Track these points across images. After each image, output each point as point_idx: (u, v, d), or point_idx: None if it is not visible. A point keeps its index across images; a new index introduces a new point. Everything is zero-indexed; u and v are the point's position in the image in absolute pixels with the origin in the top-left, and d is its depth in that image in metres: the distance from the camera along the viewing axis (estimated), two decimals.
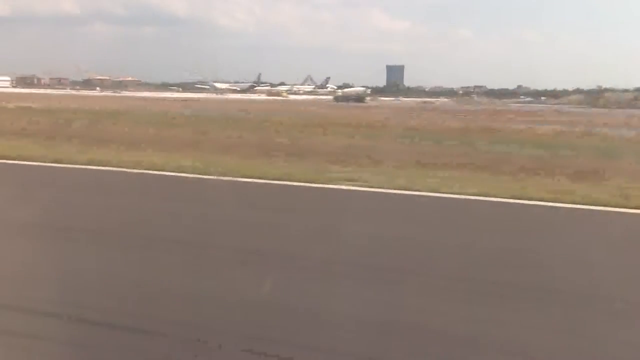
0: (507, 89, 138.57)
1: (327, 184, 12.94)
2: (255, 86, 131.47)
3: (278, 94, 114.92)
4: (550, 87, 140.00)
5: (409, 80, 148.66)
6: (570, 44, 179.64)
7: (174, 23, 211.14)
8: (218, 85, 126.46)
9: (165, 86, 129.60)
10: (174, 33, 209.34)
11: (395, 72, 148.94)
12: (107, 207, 10.57)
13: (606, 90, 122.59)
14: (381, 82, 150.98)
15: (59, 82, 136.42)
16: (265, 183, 13.02)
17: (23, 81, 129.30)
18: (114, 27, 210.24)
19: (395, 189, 12.44)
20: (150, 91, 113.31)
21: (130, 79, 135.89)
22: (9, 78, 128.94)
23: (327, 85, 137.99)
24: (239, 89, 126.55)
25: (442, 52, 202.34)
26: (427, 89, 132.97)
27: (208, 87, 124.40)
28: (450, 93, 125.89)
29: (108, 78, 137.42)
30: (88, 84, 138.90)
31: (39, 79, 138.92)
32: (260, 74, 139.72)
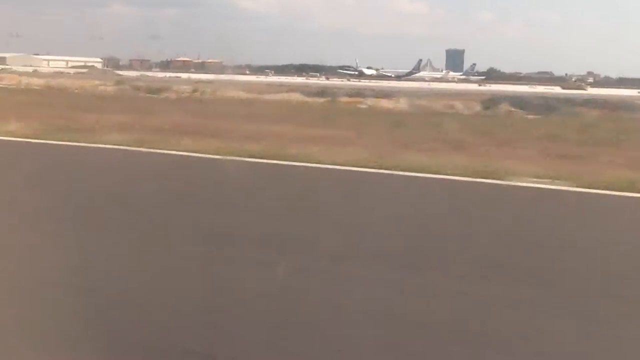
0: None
1: None
2: (415, 72, 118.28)
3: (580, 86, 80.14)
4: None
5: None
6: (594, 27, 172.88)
7: (195, 4, 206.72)
8: (366, 71, 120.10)
9: (261, 69, 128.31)
10: (195, 15, 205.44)
11: (455, 56, 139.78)
12: None
13: None
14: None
15: (140, 65, 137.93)
16: None
17: (111, 63, 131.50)
18: (132, 9, 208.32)
19: None
20: (247, 75, 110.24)
21: (212, 61, 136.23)
22: (100, 60, 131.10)
23: (474, 71, 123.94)
24: (393, 75, 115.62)
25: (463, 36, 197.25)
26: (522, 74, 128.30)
27: (355, 72, 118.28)
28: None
29: (190, 60, 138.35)
30: (170, 66, 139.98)
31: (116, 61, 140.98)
32: (421, 60, 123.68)
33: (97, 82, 56.62)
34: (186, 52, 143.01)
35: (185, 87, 48.94)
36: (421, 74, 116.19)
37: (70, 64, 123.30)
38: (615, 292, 6.66)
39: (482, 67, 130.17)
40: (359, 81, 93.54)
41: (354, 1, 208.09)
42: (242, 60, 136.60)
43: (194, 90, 45.95)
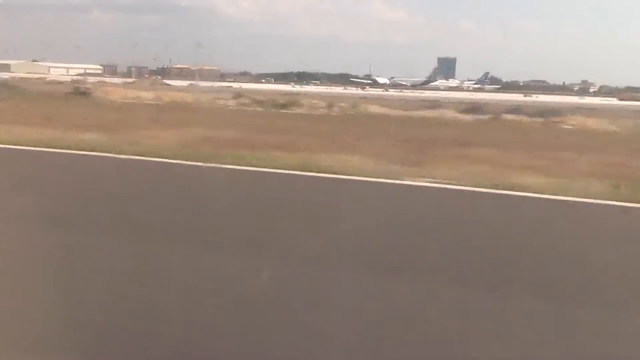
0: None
1: None
2: (432, 81, 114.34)
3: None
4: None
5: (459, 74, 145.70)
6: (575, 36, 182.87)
7: (176, 11, 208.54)
8: (380, 79, 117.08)
9: (262, 76, 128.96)
10: (175, 21, 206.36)
11: (447, 64, 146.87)
12: None
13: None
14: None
15: (138, 72, 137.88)
16: None
17: (109, 70, 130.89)
18: (113, 15, 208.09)
19: None
20: (248, 82, 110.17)
21: (209, 68, 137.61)
22: (101, 67, 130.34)
23: (486, 80, 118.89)
24: (408, 84, 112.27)
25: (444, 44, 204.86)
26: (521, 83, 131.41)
27: (368, 81, 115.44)
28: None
29: (188, 67, 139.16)
30: (166, 72, 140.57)
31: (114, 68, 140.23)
32: (437, 68, 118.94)
33: (201, 95, 54.89)
34: (179, 59, 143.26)
35: (312, 101, 47.58)
36: (437, 82, 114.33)
37: (70, 72, 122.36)
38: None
39: (474, 75, 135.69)
40: (385, 90, 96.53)
41: (335, 8, 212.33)
42: (233, 67, 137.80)
43: (330, 105, 43.76)
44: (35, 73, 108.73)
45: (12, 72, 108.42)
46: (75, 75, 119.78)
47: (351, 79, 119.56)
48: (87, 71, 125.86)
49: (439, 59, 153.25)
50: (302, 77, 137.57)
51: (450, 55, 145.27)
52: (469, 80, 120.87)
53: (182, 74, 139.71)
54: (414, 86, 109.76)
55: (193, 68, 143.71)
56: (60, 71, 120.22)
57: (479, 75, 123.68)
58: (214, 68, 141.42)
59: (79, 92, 46.01)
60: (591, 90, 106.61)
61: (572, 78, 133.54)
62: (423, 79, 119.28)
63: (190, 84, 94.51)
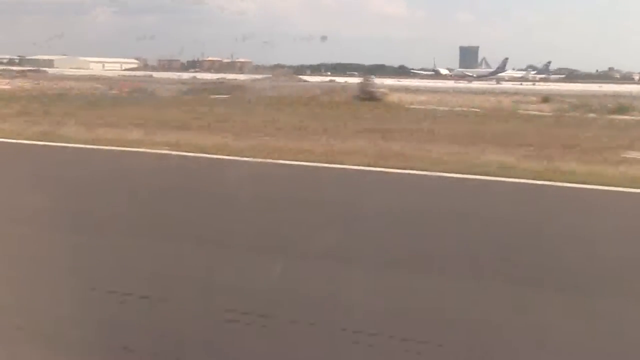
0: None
1: None
2: (500, 72, 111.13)
3: None
4: None
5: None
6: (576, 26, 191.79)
7: (175, 11, 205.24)
8: (442, 71, 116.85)
9: (299, 69, 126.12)
10: (175, 21, 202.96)
11: (468, 53, 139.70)
12: None
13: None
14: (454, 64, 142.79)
15: (169, 65, 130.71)
16: None
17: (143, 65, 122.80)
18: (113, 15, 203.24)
19: None
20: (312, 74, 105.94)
21: (243, 60, 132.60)
22: (136, 61, 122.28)
23: (549, 70, 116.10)
24: (474, 75, 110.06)
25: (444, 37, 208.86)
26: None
27: (429, 73, 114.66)
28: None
29: (220, 60, 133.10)
30: (197, 66, 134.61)
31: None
32: (507, 59, 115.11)
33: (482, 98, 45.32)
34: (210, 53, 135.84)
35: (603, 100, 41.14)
36: (503, 73, 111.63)
37: (106, 67, 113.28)
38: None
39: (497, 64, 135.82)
40: (469, 82, 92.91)
41: (334, 3, 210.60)
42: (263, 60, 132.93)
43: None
44: (79, 69, 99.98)
45: (56, 67, 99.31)
46: (123, 70, 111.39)
47: (412, 71, 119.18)
48: (123, 66, 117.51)
49: (460, 47, 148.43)
50: (337, 69, 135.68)
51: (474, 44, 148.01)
52: (519, 70, 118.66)
53: (215, 66, 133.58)
54: (480, 77, 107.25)
55: (225, 61, 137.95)
56: (98, 66, 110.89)
57: (522, 65, 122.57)
58: (249, 61, 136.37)
59: (368, 96, 41.19)
60: None
61: (597, 66, 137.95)
62: (486, 69, 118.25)
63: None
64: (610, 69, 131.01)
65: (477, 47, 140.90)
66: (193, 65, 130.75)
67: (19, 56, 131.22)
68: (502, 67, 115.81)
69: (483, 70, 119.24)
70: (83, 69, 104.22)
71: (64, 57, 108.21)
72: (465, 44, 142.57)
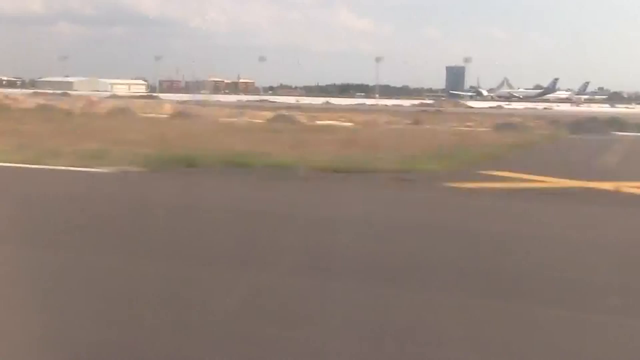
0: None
1: None
2: (550, 92, 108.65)
3: None
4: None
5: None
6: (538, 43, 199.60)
7: (143, 23, 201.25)
8: (484, 92, 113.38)
9: (308, 89, 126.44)
10: (143, 33, 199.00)
11: (455, 73, 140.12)
12: None
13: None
14: (439, 84, 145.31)
15: (171, 86, 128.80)
16: None
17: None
18: (79, 27, 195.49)
19: None
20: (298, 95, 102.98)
21: (245, 81, 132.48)
22: (144, 83, 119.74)
23: (587, 91, 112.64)
24: (521, 96, 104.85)
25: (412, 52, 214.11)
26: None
27: (470, 94, 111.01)
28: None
29: (222, 80, 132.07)
30: (200, 87, 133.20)
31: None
32: (557, 79, 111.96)
33: None
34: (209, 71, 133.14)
35: None
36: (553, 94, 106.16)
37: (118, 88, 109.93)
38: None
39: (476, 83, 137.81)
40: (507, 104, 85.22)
41: (302, 17, 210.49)
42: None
43: None
44: (98, 91, 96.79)
45: (75, 89, 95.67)
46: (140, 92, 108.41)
47: (451, 92, 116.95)
48: (131, 88, 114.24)
49: (447, 67, 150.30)
50: (346, 90, 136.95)
51: (460, 64, 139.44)
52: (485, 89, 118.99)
53: (218, 87, 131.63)
54: (527, 98, 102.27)
55: (227, 81, 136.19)
56: (118, 88, 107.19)
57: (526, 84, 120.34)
58: (252, 81, 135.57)
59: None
60: None
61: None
62: (533, 90, 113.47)
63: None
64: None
65: (464, 68, 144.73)
66: (196, 86, 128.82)
67: (17, 77, 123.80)
68: (551, 88, 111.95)
69: (531, 91, 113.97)
70: (105, 91, 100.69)
71: (84, 79, 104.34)
72: (452, 64, 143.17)
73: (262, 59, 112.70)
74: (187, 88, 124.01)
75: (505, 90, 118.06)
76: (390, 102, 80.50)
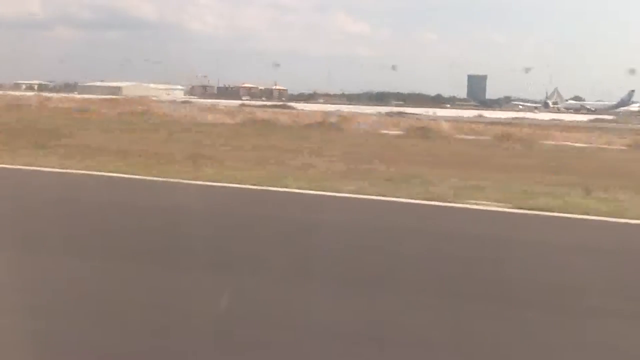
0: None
1: None
2: (626, 104, 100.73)
3: None
4: None
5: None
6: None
7: (140, 27, 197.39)
8: (551, 103, 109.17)
9: (344, 97, 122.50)
10: (140, 37, 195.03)
11: (477, 82, 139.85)
12: None
13: None
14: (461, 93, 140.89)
15: (204, 92, 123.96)
16: None
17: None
18: (77, 32, 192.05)
19: None
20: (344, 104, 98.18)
21: (279, 88, 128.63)
22: (182, 87, 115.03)
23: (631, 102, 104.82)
24: (593, 108, 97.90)
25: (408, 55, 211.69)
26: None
27: (535, 105, 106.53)
28: None
29: (256, 87, 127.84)
30: (229, 93, 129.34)
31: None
32: (633, 91, 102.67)
33: None
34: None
35: None
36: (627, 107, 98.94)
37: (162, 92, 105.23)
38: None
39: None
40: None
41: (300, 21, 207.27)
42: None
43: None
44: (147, 96, 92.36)
45: (124, 94, 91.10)
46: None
47: (513, 103, 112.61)
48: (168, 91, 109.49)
49: (468, 76, 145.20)
50: (381, 98, 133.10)
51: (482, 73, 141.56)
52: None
53: (251, 93, 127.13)
54: (600, 110, 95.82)
55: (261, 88, 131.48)
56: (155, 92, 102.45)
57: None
58: (284, 88, 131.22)
59: None
60: None
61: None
62: (607, 102, 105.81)
63: None
64: None
65: (485, 76, 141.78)
66: (226, 91, 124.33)
67: (49, 81, 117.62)
68: (627, 100, 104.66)
69: (605, 103, 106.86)
70: (152, 95, 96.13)
71: (132, 84, 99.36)
72: (473, 72, 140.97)
73: (275, 64, 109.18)
74: (220, 94, 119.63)
75: (572, 102, 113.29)
76: (472, 113, 77.73)
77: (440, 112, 69.49)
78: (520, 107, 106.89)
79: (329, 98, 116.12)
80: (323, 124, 33.75)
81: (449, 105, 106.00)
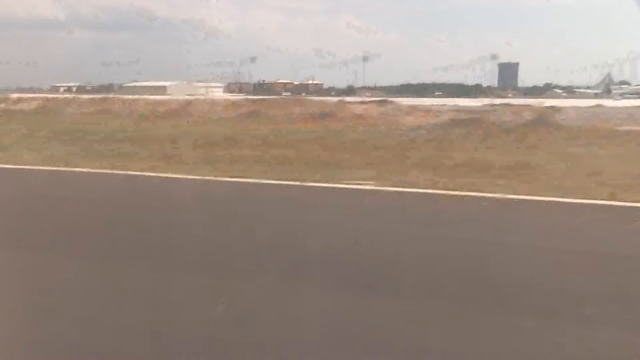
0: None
1: None
2: None
3: None
4: None
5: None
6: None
7: (149, 28, 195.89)
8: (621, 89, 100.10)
9: (384, 90, 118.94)
10: (150, 38, 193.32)
11: (509, 70, 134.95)
12: None
13: None
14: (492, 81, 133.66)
15: (241, 88, 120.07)
16: None
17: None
18: (97, 34, 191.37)
19: None
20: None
21: (315, 82, 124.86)
22: (221, 85, 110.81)
23: None
24: None
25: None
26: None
27: (597, 91, 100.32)
28: None
29: (291, 82, 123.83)
30: (264, 88, 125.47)
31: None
32: None
33: None
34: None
35: None
36: None
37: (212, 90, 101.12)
38: None
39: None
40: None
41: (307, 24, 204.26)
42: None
43: None
44: (194, 95, 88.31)
45: (169, 94, 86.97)
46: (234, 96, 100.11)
47: (575, 90, 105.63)
48: (209, 89, 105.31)
49: (499, 65, 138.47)
50: (420, 90, 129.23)
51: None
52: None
53: (286, 89, 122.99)
54: None
55: (296, 83, 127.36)
56: (198, 91, 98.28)
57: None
58: (319, 83, 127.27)
59: None
60: None
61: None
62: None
63: None
64: None
65: (517, 64, 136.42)
66: (262, 88, 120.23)
67: (86, 83, 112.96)
68: None
69: None
70: (200, 95, 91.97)
71: (177, 83, 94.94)
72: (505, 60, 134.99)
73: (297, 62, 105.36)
74: (257, 91, 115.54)
75: (625, 86, 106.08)
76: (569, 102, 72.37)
77: (522, 101, 64.67)
78: (563, 94, 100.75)
79: (373, 91, 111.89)
80: (532, 122, 29.98)
81: (510, 95, 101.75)
